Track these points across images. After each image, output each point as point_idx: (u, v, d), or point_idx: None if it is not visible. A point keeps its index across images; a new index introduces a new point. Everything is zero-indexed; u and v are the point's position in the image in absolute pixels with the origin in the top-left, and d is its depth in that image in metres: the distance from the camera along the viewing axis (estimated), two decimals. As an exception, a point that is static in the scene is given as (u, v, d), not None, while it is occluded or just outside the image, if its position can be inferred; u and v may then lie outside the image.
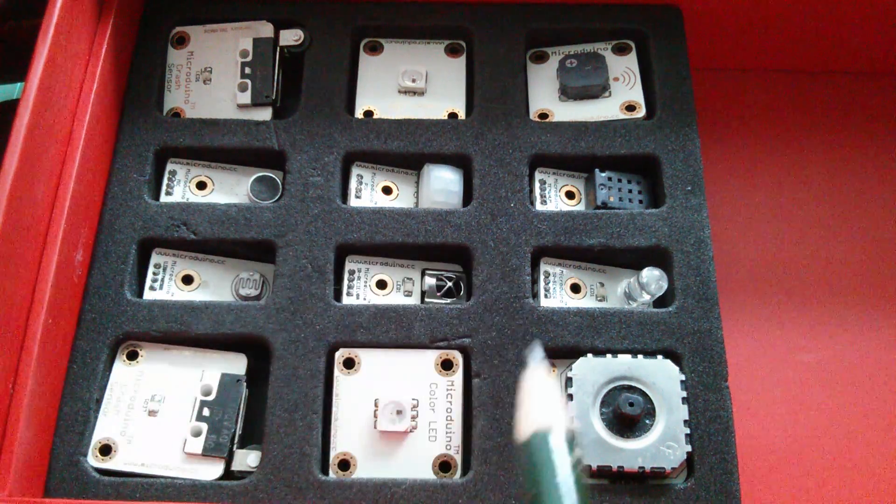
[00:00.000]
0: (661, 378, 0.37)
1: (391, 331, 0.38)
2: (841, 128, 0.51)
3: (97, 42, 0.42)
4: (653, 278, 0.39)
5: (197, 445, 0.36)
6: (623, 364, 0.37)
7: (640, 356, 0.37)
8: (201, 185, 0.43)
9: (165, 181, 0.42)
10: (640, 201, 0.42)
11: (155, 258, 0.41)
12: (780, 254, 0.47)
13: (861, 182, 0.49)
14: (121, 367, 0.38)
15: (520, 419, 0.28)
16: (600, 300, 0.41)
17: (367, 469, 0.37)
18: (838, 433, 0.42)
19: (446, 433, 0.37)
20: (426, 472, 0.37)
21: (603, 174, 0.42)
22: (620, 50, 0.46)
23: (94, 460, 0.36)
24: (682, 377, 0.37)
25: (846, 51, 0.50)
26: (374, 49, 0.46)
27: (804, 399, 0.43)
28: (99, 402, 0.37)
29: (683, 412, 0.36)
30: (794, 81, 0.52)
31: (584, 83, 0.44)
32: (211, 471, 0.36)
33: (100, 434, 0.37)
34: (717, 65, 0.51)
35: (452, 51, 0.46)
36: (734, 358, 0.38)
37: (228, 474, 0.37)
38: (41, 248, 0.37)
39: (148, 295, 0.40)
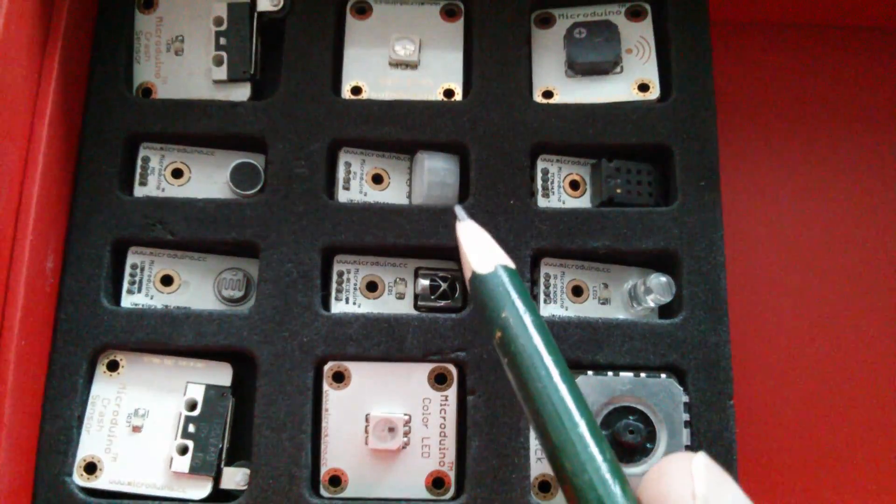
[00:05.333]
0: (664, 399, 0.35)
1: (382, 343, 0.37)
2: (882, 106, 0.44)
3: (55, 11, 0.38)
4: (659, 286, 0.36)
5: (183, 464, 0.35)
6: (624, 383, 0.35)
7: (642, 374, 0.35)
8: (177, 174, 0.40)
9: (138, 169, 0.39)
10: (650, 194, 0.39)
11: (131, 258, 0.38)
12: (797, 260, 0.43)
13: None
14: (101, 380, 0.37)
15: (470, 263, 0.30)
16: (603, 303, 0.38)
17: (358, 486, 0.36)
18: (848, 458, 0.40)
19: (440, 450, 0.36)
20: (419, 489, 0.36)
21: (611, 164, 0.39)
22: (635, 14, 0.41)
23: (79, 479, 0.35)
24: (686, 398, 0.35)
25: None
26: (362, 12, 0.42)
27: (814, 420, 0.41)
28: (81, 418, 0.36)
29: (685, 437, 0.35)
30: (825, 38, 0.45)
31: (593, 59, 0.39)
32: (198, 490, 0.36)
33: (84, 452, 0.36)
34: (740, 18, 0.46)
35: (449, 13, 0.42)
36: (741, 375, 0.37)
37: (217, 492, 0.36)
38: (8, 261, 0.35)
39: (126, 299, 0.38)
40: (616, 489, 0.24)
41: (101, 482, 0.36)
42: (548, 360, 0.27)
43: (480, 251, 0.30)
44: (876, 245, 0.42)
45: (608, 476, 0.25)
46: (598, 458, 0.25)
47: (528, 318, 0.28)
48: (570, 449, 0.25)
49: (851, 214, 0.43)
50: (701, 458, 0.23)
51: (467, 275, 0.31)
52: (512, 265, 0.30)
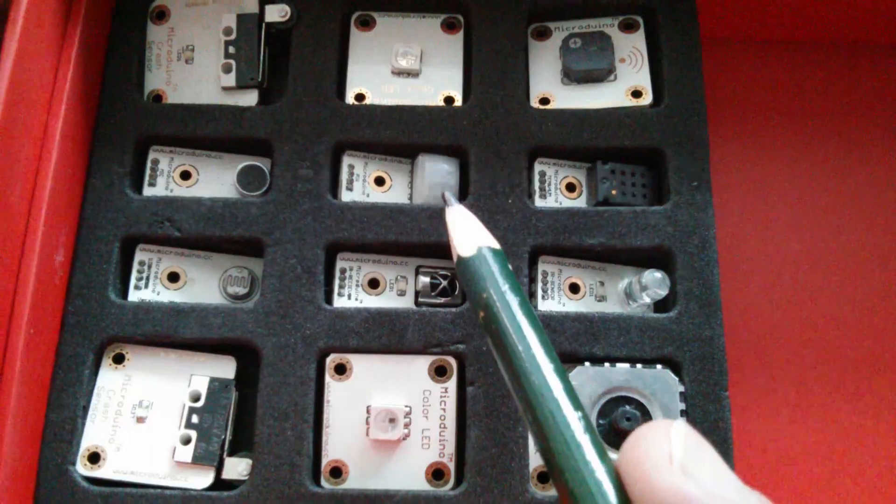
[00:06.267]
0: (660, 389, 0.36)
1: (384, 336, 0.37)
2: (868, 114, 0.46)
3: (71, 21, 0.39)
4: (654, 282, 0.37)
5: (186, 454, 0.36)
6: (621, 373, 0.36)
7: (638, 365, 0.36)
8: (185, 175, 0.41)
9: (148, 171, 0.41)
10: (644, 195, 0.40)
11: (139, 255, 0.39)
12: (789, 255, 0.44)
13: (886, 180, 0.45)
14: (107, 371, 0.37)
15: (455, 247, 0.31)
16: (600, 300, 0.39)
17: (359, 477, 0.36)
18: (841, 446, 0.41)
19: (440, 441, 0.37)
20: (419, 480, 0.36)
21: (605, 166, 0.40)
22: (627, 27, 0.43)
23: (82, 468, 0.36)
24: (682, 388, 0.36)
25: (879, 20, 0.46)
26: (366, 24, 0.43)
27: (808, 410, 0.42)
28: (86, 408, 0.37)
29: (681, 425, 0.35)
30: (812, 55, 0.48)
31: (588, 67, 0.41)
32: (201, 480, 0.36)
33: (88, 441, 0.36)
34: (729, 37, 0.48)
35: (449, 26, 0.43)
36: (735, 367, 0.37)
37: (219, 482, 0.36)
38: (19, 253, 0.36)
39: (133, 294, 0.39)
40: (593, 454, 0.24)
41: (104, 471, 0.36)
42: (529, 335, 0.28)
43: (465, 234, 0.31)
44: (859, 239, 0.44)
45: (582, 436, 0.25)
46: (575, 424, 0.25)
47: (509, 297, 0.29)
48: (549, 418, 0.26)
49: (838, 211, 0.45)
50: (680, 424, 0.23)
51: (454, 258, 0.31)
52: (497, 246, 0.31)
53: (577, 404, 0.26)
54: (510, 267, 0.31)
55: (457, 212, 0.32)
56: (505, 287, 0.29)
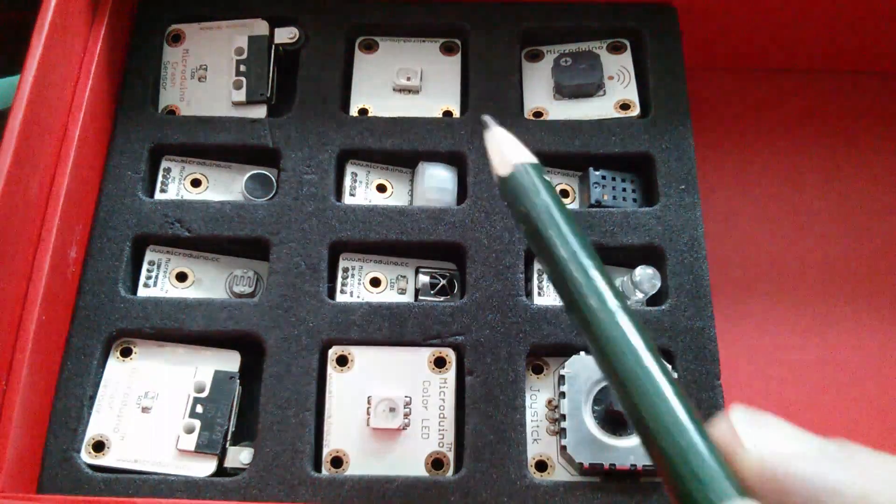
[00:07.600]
0: (654, 376, 0.37)
1: (384, 328, 0.38)
2: (836, 127, 0.51)
3: (92, 39, 0.42)
4: (646, 277, 0.39)
5: (190, 442, 0.36)
6: (616, 362, 0.37)
7: (632, 354, 0.37)
8: (196, 183, 0.43)
9: (160, 178, 0.42)
10: (634, 200, 0.42)
11: (149, 255, 0.41)
12: (773, 252, 0.47)
13: (856, 181, 0.49)
14: (114, 364, 0.38)
15: (494, 167, 0.31)
16: (594, 298, 0.41)
17: (359, 466, 0.37)
18: (831, 432, 0.42)
19: (439, 431, 0.37)
20: (419, 470, 0.37)
21: (597, 173, 0.42)
22: (615, 49, 0.46)
23: (87, 456, 0.36)
24: (675, 375, 0.37)
25: (842, 50, 0.51)
26: (370, 47, 0.46)
27: (797, 398, 0.43)
28: (92, 398, 0.37)
29: (676, 410, 0.36)
30: (790, 80, 0.52)
31: (578, 82, 0.44)
32: (203, 467, 0.36)
33: (93, 430, 0.37)
34: (712, 64, 0.52)
35: (447, 49, 0.46)
36: (727, 356, 0.38)
37: (221, 471, 0.37)
38: (35, 245, 0.37)
39: (142, 292, 0.40)
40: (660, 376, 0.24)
41: (108, 459, 0.36)
42: (577, 247, 0.28)
43: (503, 153, 0.30)
44: (831, 233, 0.49)
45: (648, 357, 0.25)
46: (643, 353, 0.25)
47: (553, 210, 0.28)
48: (612, 333, 0.25)
49: (818, 211, 0.49)
50: (737, 407, 0.23)
51: (494, 178, 0.31)
52: (535, 160, 0.30)
53: (635, 320, 0.26)
54: (548, 178, 0.30)
55: (495, 133, 0.32)
56: (547, 200, 0.29)
